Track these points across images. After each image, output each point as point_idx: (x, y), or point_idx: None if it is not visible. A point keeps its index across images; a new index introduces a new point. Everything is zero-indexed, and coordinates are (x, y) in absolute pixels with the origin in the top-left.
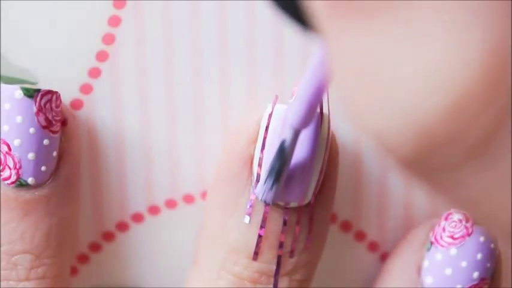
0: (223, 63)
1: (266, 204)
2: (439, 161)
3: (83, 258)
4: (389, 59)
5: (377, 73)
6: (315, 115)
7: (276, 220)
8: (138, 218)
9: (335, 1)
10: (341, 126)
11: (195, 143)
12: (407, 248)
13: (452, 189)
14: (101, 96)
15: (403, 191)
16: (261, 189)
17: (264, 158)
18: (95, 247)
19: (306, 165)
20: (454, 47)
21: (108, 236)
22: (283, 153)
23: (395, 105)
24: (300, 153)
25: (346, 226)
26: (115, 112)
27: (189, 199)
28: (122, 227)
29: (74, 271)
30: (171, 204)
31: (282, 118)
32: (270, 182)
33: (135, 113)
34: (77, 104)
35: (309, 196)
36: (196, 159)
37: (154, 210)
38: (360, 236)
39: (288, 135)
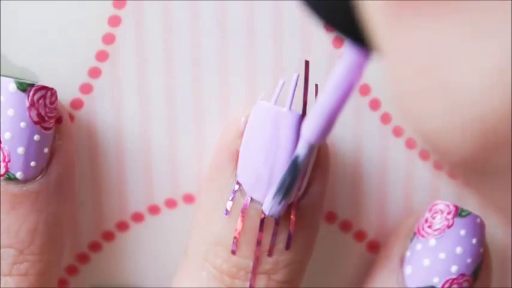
0: (223, 63)
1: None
2: (497, 162)
3: (83, 258)
4: (452, 55)
5: (437, 70)
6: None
7: (254, 217)
8: (138, 218)
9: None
10: (341, 126)
11: (195, 143)
12: (393, 238)
13: (504, 194)
14: (101, 96)
15: (403, 192)
16: (269, 204)
17: (240, 153)
18: (95, 247)
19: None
20: None
21: (108, 236)
22: (296, 168)
23: (457, 101)
24: (280, 154)
25: (346, 226)
26: (115, 112)
27: (189, 199)
28: (122, 226)
29: (74, 271)
30: (171, 204)
31: (263, 115)
32: (278, 197)
33: (135, 113)
34: (77, 104)
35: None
36: (196, 159)
37: (154, 210)
38: (360, 235)
39: (302, 150)
